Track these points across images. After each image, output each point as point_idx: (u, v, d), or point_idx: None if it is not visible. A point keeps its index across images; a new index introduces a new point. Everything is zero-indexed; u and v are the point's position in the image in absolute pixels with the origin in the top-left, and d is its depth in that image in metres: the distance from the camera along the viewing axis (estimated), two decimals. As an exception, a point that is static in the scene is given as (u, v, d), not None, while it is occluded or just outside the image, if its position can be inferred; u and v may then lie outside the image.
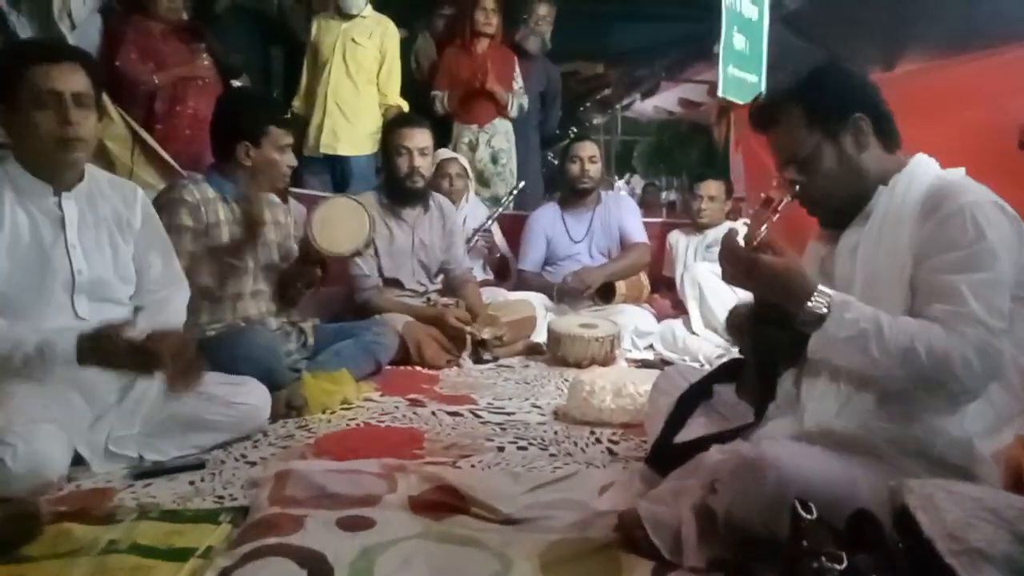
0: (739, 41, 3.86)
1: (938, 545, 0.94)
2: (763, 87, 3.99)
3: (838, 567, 0.84)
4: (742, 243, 1.30)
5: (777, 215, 1.33)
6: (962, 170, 1.35)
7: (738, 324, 1.55)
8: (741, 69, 3.89)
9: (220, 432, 1.80)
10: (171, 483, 1.59)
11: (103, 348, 1.56)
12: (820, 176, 1.37)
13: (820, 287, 1.26)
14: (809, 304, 1.24)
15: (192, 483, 1.59)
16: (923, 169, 1.35)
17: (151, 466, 1.66)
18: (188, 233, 2.13)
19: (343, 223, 2.34)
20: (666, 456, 1.53)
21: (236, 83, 3.61)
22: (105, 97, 2.69)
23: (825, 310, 1.23)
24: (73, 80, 1.62)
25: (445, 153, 3.61)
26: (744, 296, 1.51)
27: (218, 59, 3.38)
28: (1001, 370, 1.20)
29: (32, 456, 1.42)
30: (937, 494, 1.03)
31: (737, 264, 1.30)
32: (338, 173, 3.82)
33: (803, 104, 1.37)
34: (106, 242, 1.76)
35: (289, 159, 2.31)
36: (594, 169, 3.53)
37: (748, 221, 1.38)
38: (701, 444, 1.45)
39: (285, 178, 2.34)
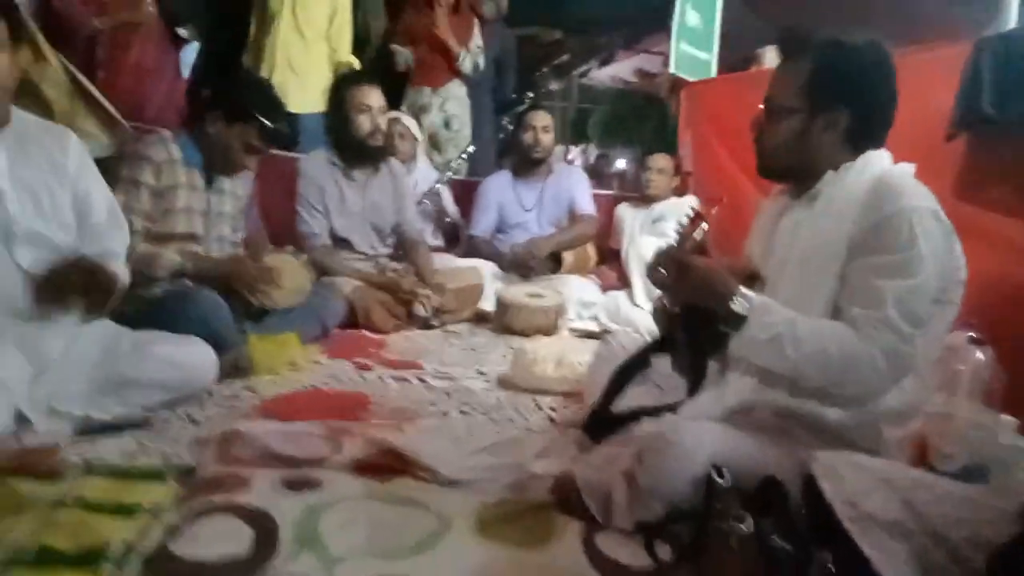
0: (692, 17, 3.90)
1: (837, 510, 1.05)
2: (714, 65, 4.06)
3: (743, 528, 0.93)
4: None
5: (703, 227, 1.40)
6: (911, 167, 1.39)
7: (662, 318, 1.62)
8: (693, 46, 3.93)
9: (165, 391, 1.79)
10: (117, 440, 1.60)
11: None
12: (777, 134, 1.42)
13: (742, 289, 1.32)
14: (731, 305, 1.31)
15: (139, 442, 1.61)
16: (873, 162, 1.39)
17: (96, 424, 1.66)
18: (146, 191, 2.12)
19: (290, 285, 2.38)
20: (601, 425, 1.61)
21: (182, 31, 3.51)
22: (41, 39, 2.61)
23: (746, 312, 1.30)
24: None
25: (391, 113, 3.59)
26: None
27: (163, 5, 3.27)
28: (908, 373, 1.28)
29: (-29, 414, 1.41)
30: (840, 464, 1.14)
31: (669, 265, 1.38)
32: (287, 130, 3.75)
33: (812, 67, 1.38)
34: (41, 187, 1.70)
35: (250, 160, 2.31)
36: (547, 139, 3.56)
37: (684, 220, 1.44)
38: (634, 416, 1.54)
39: (236, 167, 2.32)
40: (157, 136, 2.25)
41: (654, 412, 1.52)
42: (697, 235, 1.39)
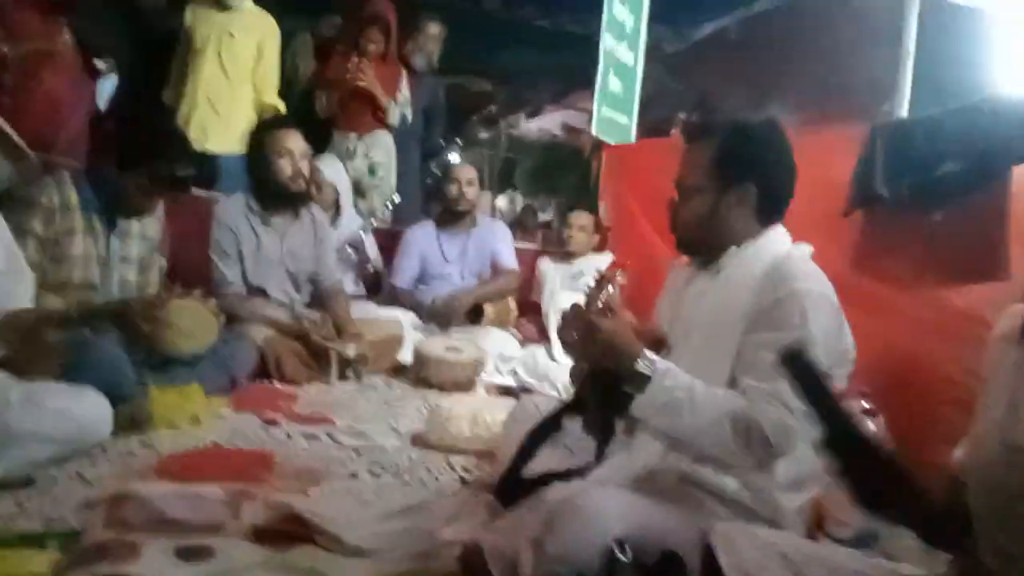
0: (614, 83, 4.06)
1: (734, 584, 1.06)
2: (634, 129, 4.22)
3: (643, 609, 0.94)
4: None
5: (611, 289, 1.45)
6: (809, 249, 1.47)
7: (577, 380, 1.65)
8: (614, 110, 4.09)
9: (55, 446, 1.69)
10: (-7, 502, 1.49)
11: None
12: (688, 209, 1.50)
13: (646, 352, 1.37)
14: (635, 366, 1.35)
15: (18, 504, 1.50)
16: (773, 242, 1.47)
17: (-30, 482, 1.54)
18: (33, 241, 2.00)
19: (190, 324, 2.23)
20: (511, 489, 1.60)
21: (100, 64, 3.40)
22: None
23: (649, 374, 1.35)
24: None
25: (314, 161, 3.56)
26: None
27: (80, 38, 3.16)
28: (795, 445, 1.32)
29: None
30: (739, 538, 1.16)
31: (577, 325, 1.42)
32: (206, 171, 3.66)
33: (717, 147, 1.46)
34: None
35: (149, 204, 2.26)
36: (471, 192, 3.60)
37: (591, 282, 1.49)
38: (543, 481, 1.54)
39: (135, 210, 2.25)
40: (50, 179, 2.14)
41: (564, 476, 1.52)
42: (603, 297, 1.43)
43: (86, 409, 1.77)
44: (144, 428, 1.99)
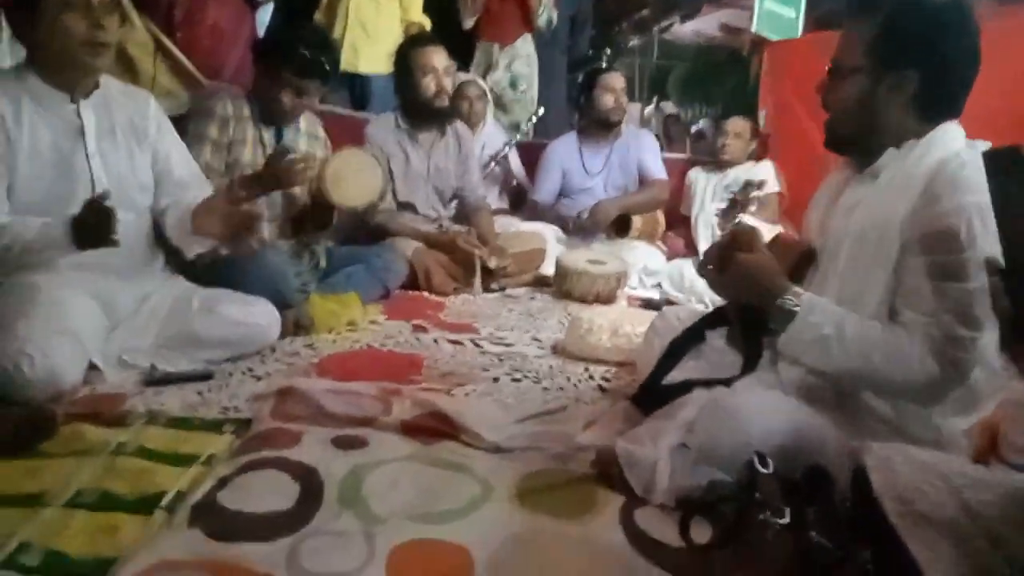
0: (779, -29, 3.69)
1: (885, 505, 0.99)
2: (801, 23, 3.84)
3: (780, 521, 0.89)
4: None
5: (758, 202, 1.35)
6: (984, 147, 1.26)
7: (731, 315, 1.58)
8: (778, 2, 3.73)
9: (230, 348, 1.88)
10: (180, 392, 1.68)
11: (94, 225, 1.56)
12: (840, 97, 1.35)
13: (792, 287, 1.28)
14: (779, 303, 1.27)
15: (200, 393, 1.68)
16: (940, 142, 1.29)
17: (162, 375, 1.74)
18: (209, 145, 2.17)
19: (356, 177, 2.29)
20: (651, 396, 1.58)
21: (259, -3, 3.56)
22: (126, 1, 2.70)
23: (796, 309, 1.26)
24: None
25: (463, 76, 3.56)
26: None
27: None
28: (966, 377, 1.21)
29: (49, 367, 1.50)
30: (895, 457, 1.07)
31: (715, 261, 1.34)
32: (357, 91, 3.79)
33: (880, 24, 1.29)
34: (123, 150, 1.80)
35: (299, 105, 2.30)
36: (624, 102, 3.46)
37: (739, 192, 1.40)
38: (685, 387, 1.50)
39: (287, 113, 2.31)
40: (224, 91, 2.30)
41: (706, 384, 1.48)
42: (743, 211, 1.34)
43: (257, 316, 1.94)
44: (307, 332, 2.16)
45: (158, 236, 1.93)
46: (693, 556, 1.05)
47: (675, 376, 1.59)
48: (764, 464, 1.03)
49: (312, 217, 2.38)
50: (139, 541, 1.08)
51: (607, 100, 3.40)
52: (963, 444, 1.29)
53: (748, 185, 1.26)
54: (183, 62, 2.90)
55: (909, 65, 1.27)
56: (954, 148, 1.27)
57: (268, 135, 2.31)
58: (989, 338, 1.19)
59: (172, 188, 1.90)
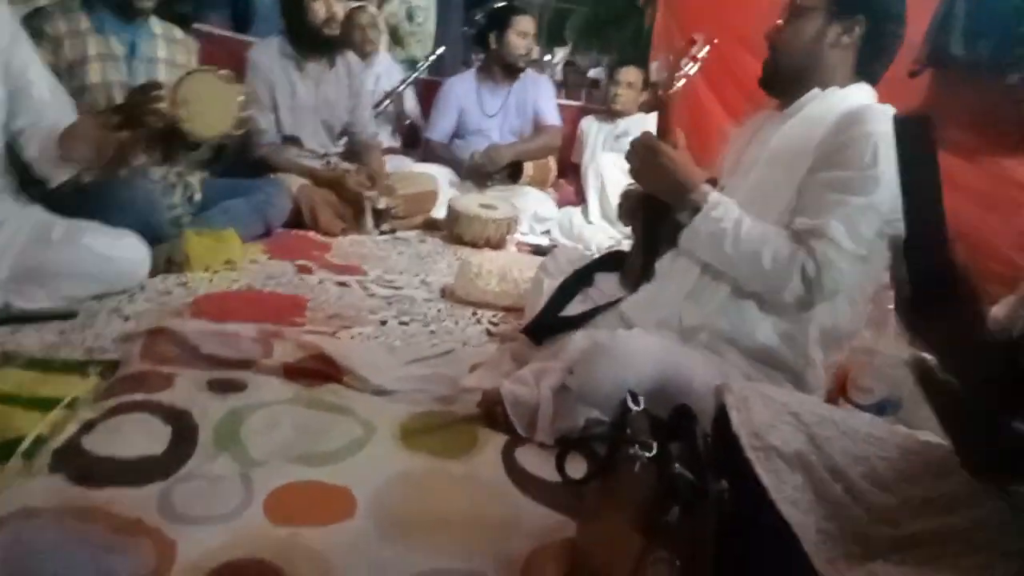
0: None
1: (742, 440, 1.07)
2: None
3: (647, 454, 0.95)
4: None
5: (697, 64, 1.39)
6: (891, 109, 1.36)
7: (629, 207, 1.65)
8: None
9: (95, 284, 1.76)
10: (39, 331, 1.57)
11: None
12: (792, 30, 1.42)
13: (703, 186, 1.36)
14: (691, 195, 1.36)
15: (62, 333, 1.58)
16: (856, 94, 1.39)
17: (18, 312, 1.61)
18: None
19: (208, 102, 1.94)
20: (544, 329, 1.62)
21: None
22: None
23: (703, 203, 1.35)
24: None
25: (354, 2, 3.39)
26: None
27: None
28: (839, 287, 1.31)
29: None
30: (752, 396, 1.16)
31: (641, 149, 1.40)
32: (239, 11, 3.54)
33: None
34: None
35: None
36: (533, 46, 3.42)
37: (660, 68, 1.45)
38: (578, 320, 1.55)
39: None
40: (58, 6, 2.02)
41: (599, 311, 1.54)
42: (684, 73, 1.38)
43: (124, 250, 1.82)
44: (181, 269, 2.04)
45: (11, 160, 1.75)
46: (568, 490, 1.11)
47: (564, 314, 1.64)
48: (636, 402, 1.09)
49: (179, 136, 2.08)
50: (-7, 488, 1.02)
51: (520, 44, 3.34)
52: (822, 377, 1.41)
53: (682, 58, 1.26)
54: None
55: (861, 11, 1.36)
56: (868, 99, 1.38)
57: (118, 43, 2.07)
58: (861, 272, 1.31)
59: (30, 107, 1.71)
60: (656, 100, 1.45)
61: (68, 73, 1.98)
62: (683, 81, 1.41)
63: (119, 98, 2.01)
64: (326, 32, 2.77)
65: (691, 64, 1.41)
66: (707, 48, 1.44)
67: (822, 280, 1.28)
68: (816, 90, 1.41)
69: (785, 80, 1.46)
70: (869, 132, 1.27)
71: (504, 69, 3.40)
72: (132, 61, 2.10)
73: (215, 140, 2.06)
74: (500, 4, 3.90)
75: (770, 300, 1.36)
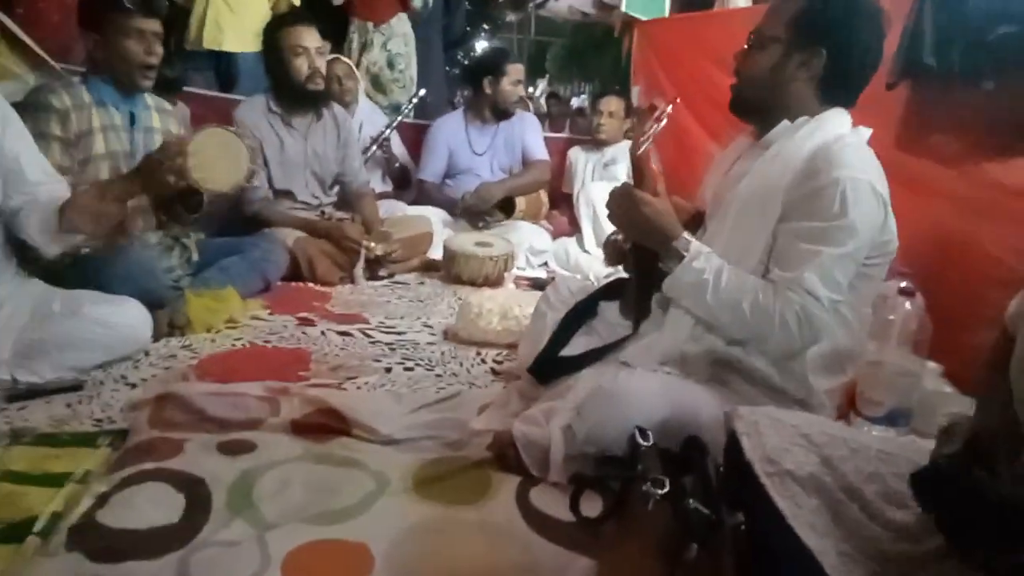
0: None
1: (756, 467, 1.07)
2: (668, 3, 3.98)
3: (660, 491, 0.95)
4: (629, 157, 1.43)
5: (661, 124, 1.41)
6: (867, 133, 1.40)
7: (612, 253, 1.67)
8: (646, -18, 3.85)
9: (98, 352, 1.75)
10: (47, 406, 1.57)
11: None
12: (754, 59, 1.43)
13: (685, 234, 1.38)
14: (673, 244, 1.37)
15: (69, 405, 1.58)
16: (829, 123, 1.39)
17: (25, 388, 1.61)
18: (56, 143, 1.98)
19: (220, 157, 2.01)
20: (548, 368, 1.62)
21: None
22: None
23: (685, 252, 1.36)
24: None
25: (329, 55, 3.45)
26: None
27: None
28: (821, 335, 1.33)
29: None
30: (762, 421, 1.16)
31: (621, 199, 1.41)
32: (223, 70, 3.60)
33: (803, 2, 1.39)
34: None
35: (144, 50, 2.05)
36: (520, 89, 3.49)
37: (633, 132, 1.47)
38: (582, 361, 1.55)
39: (143, 73, 2.10)
40: (59, 81, 2.08)
41: (603, 352, 1.54)
42: (652, 132, 1.40)
43: (126, 316, 1.82)
44: (183, 332, 2.05)
45: (8, 238, 1.77)
46: (584, 529, 1.11)
47: (570, 350, 1.64)
48: (645, 438, 1.09)
49: (182, 201, 2.15)
50: (10, 573, 1.01)
51: (514, 93, 3.42)
52: (827, 402, 1.42)
53: (649, 116, 1.28)
54: (24, 40, 2.64)
55: (820, 43, 1.36)
56: (840, 132, 1.38)
57: (119, 116, 2.12)
58: (853, 305, 1.34)
59: (23, 187, 1.74)
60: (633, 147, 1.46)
61: (76, 145, 2.02)
62: (650, 142, 1.43)
63: (123, 167, 2.06)
64: (310, 87, 2.81)
65: (655, 126, 1.43)
66: (670, 107, 1.45)
67: (802, 330, 1.30)
68: (785, 122, 1.41)
69: (750, 107, 1.48)
70: (836, 179, 1.28)
71: (498, 114, 3.46)
72: (132, 131, 2.15)
73: (230, 193, 2.10)
74: (488, 48, 3.96)
75: (755, 346, 1.38)
